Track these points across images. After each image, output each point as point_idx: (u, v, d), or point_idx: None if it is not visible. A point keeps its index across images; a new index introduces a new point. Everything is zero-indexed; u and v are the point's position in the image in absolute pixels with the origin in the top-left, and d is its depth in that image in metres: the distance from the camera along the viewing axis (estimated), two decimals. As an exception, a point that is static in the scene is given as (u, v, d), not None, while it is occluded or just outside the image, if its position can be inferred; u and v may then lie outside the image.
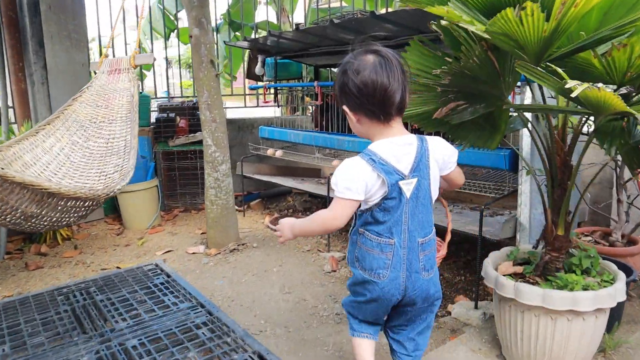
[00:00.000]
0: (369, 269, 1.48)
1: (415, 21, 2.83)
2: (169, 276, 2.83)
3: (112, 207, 4.51)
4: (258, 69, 4.24)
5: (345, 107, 1.46)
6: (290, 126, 4.79)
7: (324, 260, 3.36)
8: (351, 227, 1.57)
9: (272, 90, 4.43)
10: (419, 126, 2.14)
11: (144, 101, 4.64)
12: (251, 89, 4.61)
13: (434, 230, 1.56)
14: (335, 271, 3.22)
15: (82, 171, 2.43)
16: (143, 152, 4.26)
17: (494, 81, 1.82)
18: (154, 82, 5.42)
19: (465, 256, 3.44)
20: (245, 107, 5.59)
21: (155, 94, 5.71)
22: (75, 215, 2.09)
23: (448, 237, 1.87)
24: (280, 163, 4.57)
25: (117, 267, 3.35)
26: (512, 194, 2.81)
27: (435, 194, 1.51)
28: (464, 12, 1.58)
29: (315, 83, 3.71)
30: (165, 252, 3.60)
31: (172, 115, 4.76)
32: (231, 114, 5.31)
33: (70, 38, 3.99)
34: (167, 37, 5.71)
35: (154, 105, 5.02)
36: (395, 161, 1.42)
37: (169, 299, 2.53)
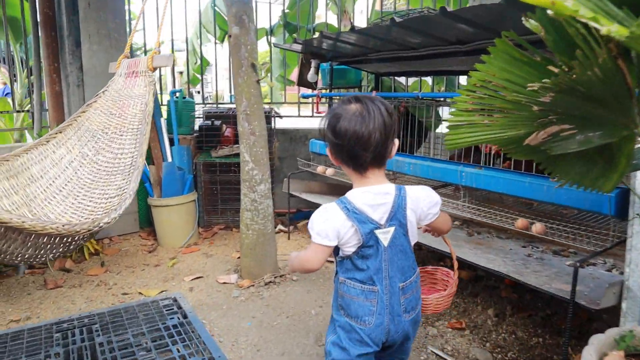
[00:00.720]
0: (355, 317, 1.49)
1: (496, 20, 2.27)
2: (185, 317, 2.39)
3: (147, 219, 4.18)
4: (311, 76, 3.77)
5: (327, 150, 1.50)
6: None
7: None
8: (334, 275, 1.60)
9: (326, 100, 3.95)
10: (505, 152, 1.59)
11: (187, 107, 4.29)
12: (303, 97, 4.15)
13: (417, 271, 1.59)
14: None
15: (86, 190, 2.04)
16: (182, 163, 3.90)
17: (622, 102, 1.24)
18: (202, 88, 5.09)
19: (543, 310, 2.81)
20: (300, 116, 5.15)
21: (203, 99, 5.38)
22: (58, 250, 1.70)
23: (455, 275, 1.76)
24: (331, 181, 4.08)
25: (140, 293, 2.98)
26: (617, 245, 2.18)
27: (413, 240, 1.54)
28: (583, 2, 1.01)
29: (374, 93, 3.20)
30: (195, 279, 3.19)
31: (217, 123, 4.38)
32: (284, 124, 4.88)
33: (110, 37, 3.68)
34: (221, 40, 5.37)
35: (199, 111, 4.67)
36: (370, 211, 1.44)
37: (177, 350, 2.08)
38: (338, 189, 4.24)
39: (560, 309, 2.84)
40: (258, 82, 2.88)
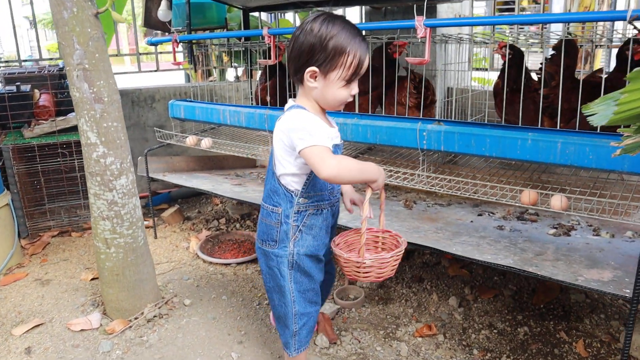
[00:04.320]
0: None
1: None
2: None
3: None
4: (163, 13, 2.72)
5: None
6: (209, 99, 3.33)
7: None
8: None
9: (185, 46, 2.93)
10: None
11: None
12: (150, 43, 3.05)
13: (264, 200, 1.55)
14: (335, 343, 1.94)
15: None
16: (-23, 153, 2.61)
17: None
18: (16, 45, 3.66)
19: (505, 285, 2.29)
20: (140, 71, 3.98)
21: (19, 59, 3.90)
22: None
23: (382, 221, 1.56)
24: (202, 153, 3.12)
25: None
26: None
27: (276, 165, 1.48)
28: None
29: (265, 30, 2.30)
30: (31, 329, 2.09)
31: (25, 88, 3.09)
32: (120, 83, 3.71)
33: None
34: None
35: (-6, 74, 3.29)
36: None
37: None
38: (213, 163, 3.29)
39: (519, 281, 2.36)
40: (97, 15, 1.80)
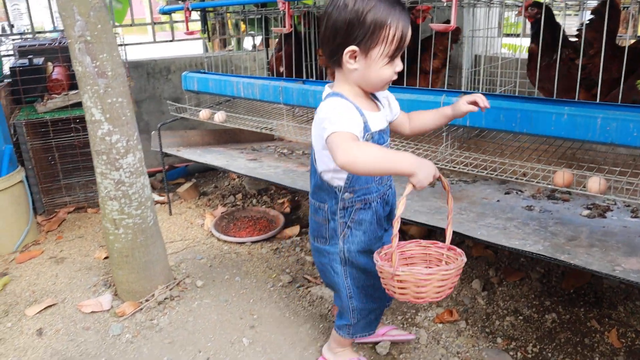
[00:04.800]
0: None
1: None
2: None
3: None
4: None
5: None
6: (225, 70, 3.20)
7: (322, 303, 1.98)
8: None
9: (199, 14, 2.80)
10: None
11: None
12: (162, 12, 2.93)
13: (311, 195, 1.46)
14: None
15: None
16: (-11, 129, 2.56)
17: None
18: (6, 14, 3.57)
19: (532, 268, 2.16)
20: (155, 42, 3.88)
21: (11, 29, 3.82)
22: None
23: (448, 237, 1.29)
24: (216, 127, 3.02)
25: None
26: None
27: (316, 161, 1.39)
28: None
29: (279, -4, 2.16)
30: (43, 310, 2.05)
31: (38, 61, 3.01)
32: (135, 54, 3.62)
33: None
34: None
35: (8, 47, 3.22)
36: None
37: None
38: (229, 136, 3.20)
39: (548, 263, 2.22)
40: (98, -16, 1.69)
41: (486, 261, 2.28)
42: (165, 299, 2.03)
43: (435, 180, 1.18)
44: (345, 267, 1.44)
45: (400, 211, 1.13)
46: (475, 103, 1.38)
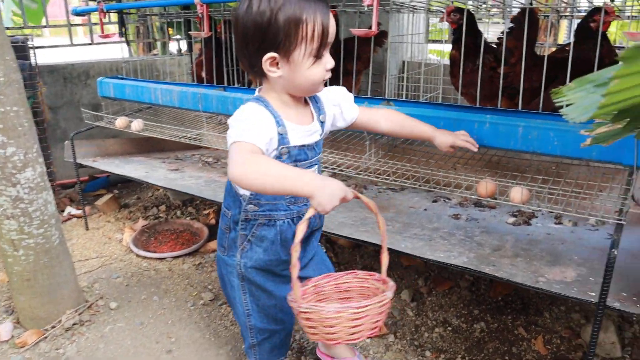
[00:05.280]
0: None
1: None
2: None
3: None
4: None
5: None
6: (148, 75, 3.04)
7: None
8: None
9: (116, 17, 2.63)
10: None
11: None
12: (76, 13, 2.73)
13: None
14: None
15: None
16: None
17: None
18: None
19: (461, 276, 2.14)
20: (72, 44, 3.64)
21: None
22: None
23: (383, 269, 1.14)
24: (135, 136, 2.85)
25: None
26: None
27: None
28: None
29: (196, -1, 2.03)
30: None
31: None
32: (50, 58, 3.38)
33: None
34: None
35: None
36: None
37: None
38: (151, 145, 3.03)
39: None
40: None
41: (416, 270, 2.24)
42: (73, 324, 1.85)
43: (352, 198, 1.08)
44: (243, 283, 1.32)
45: (298, 238, 1.00)
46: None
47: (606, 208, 1.75)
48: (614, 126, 1.01)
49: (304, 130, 1.20)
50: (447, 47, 2.85)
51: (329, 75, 1.16)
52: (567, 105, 0.68)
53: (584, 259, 1.55)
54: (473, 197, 1.52)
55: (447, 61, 2.61)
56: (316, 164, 1.27)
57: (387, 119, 1.40)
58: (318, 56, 1.11)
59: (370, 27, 1.67)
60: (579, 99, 0.66)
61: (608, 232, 1.76)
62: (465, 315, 1.94)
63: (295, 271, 1.02)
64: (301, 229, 1.01)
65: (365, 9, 1.68)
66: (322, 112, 1.26)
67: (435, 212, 1.98)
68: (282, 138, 1.16)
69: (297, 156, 1.20)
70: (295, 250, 1.00)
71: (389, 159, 1.79)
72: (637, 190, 1.63)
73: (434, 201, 2.11)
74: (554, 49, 2.18)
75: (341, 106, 1.32)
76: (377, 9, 1.62)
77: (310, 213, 1.02)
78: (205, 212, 2.85)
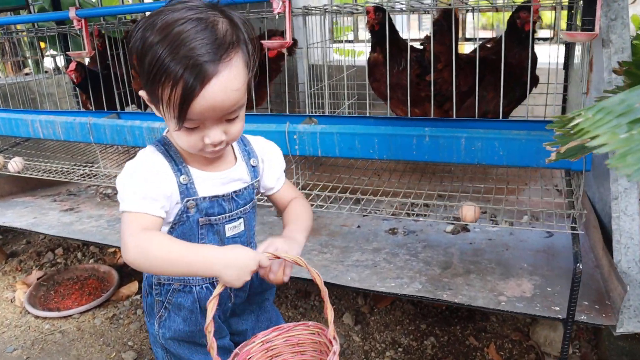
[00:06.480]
0: None
1: None
2: None
3: None
4: None
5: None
6: (21, 99, 2.65)
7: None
8: None
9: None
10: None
11: None
12: None
13: None
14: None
15: None
16: None
17: None
18: None
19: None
20: None
21: None
22: None
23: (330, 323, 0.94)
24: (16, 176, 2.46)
25: None
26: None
27: None
28: None
29: (72, 12, 1.73)
30: None
31: None
32: None
33: None
34: None
35: None
36: None
37: None
38: (38, 180, 2.63)
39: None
40: None
41: (353, 288, 2.11)
42: None
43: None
44: (168, 355, 1.11)
45: (209, 317, 0.85)
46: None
47: (531, 202, 1.74)
48: (584, 141, 0.91)
49: (218, 178, 0.98)
50: (349, 46, 2.75)
51: (212, 148, 0.89)
52: (613, 155, 0.51)
53: (533, 265, 1.51)
54: (403, 201, 1.41)
55: (354, 60, 2.50)
56: (241, 218, 1.03)
57: (287, 211, 1.12)
58: (185, 125, 0.85)
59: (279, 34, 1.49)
60: (626, 144, 0.50)
61: (545, 230, 1.73)
62: (413, 332, 1.84)
63: (213, 352, 0.85)
64: (210, 307, 0.85)
65: (277, 17, 1.50)
66: (253, 156, 1.04)
67: (369, 228, 1.86)
68: (186, 189, 0.94)
69: (208, 209, 0.97)
70: (209, 332, 0.84)
71: (317, 180, 1.64)
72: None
73: (364, 216, 1.98)
74: (464, 45, 2.13)
75: (271, 162, 1.07)
76: (290, 17, 1.44)
77: (219, 289, 0.87)
78: (111, 250, 2.53)
